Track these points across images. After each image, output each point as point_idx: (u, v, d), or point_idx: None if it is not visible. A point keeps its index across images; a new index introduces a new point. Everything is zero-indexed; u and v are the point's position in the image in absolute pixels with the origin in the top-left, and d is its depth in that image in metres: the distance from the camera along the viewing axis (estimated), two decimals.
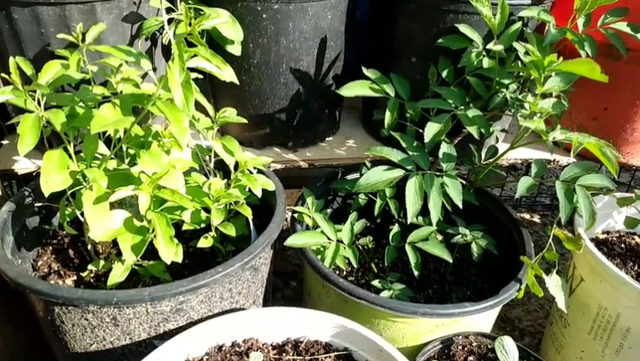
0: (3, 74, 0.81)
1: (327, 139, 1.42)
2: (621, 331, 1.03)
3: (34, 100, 0.81)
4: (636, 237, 1.25)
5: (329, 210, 1.25)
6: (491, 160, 1.15)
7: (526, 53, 0.99)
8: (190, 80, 0.73)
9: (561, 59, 0.91)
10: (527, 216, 1.99)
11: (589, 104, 1.32)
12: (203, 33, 1.05)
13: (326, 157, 1.34)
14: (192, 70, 0.80)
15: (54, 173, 0.80)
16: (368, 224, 1.20)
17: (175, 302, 0.84)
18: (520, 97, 1.03)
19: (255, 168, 1.03)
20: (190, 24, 0.73)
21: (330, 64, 1.25)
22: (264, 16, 1.11)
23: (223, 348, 0.87)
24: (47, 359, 1.10)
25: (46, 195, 0.79)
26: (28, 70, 0.88)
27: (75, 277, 1.00)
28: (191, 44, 0.76)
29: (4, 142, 1.29)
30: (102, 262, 0.98)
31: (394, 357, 0.81)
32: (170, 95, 0.78)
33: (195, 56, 0.79)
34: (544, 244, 0.99)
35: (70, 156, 0.84)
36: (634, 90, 1.23)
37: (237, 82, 0.89)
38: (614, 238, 1.24)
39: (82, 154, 0.87)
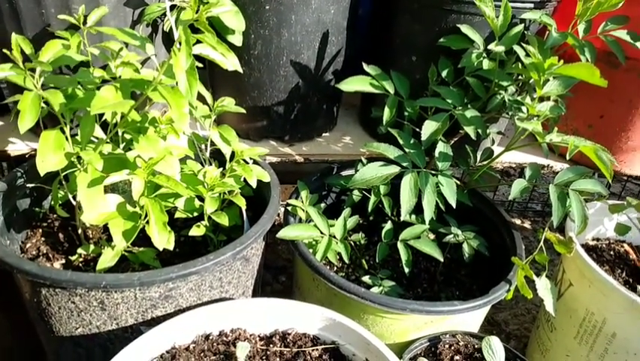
0: (4, 50, 0.80)
1: (324, 135, 1.42)
2: (607, 336, 1.04)
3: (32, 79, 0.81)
4: (625, 245, 1.26)
5: (322, 206, 1.25)
6: (486, 162, 1.16)
7: (527, 54, 0.99)
8: (195, 67, 0.72)
9: (561, 62, 0.91)
10: (518, 221, 2.00)
11: (585, 111, 1.33)
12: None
13: (322, 152, 1.34)
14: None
15: (50, 153, 0.79)
16: (361, 221, 1.20)
17: (164, 289, 0.84)
18: (518, 99, 1.03)
19: (250, 158, 1.03)
20: (197, 11, 0.72)
21: (331, 59, 1.24)
22: (267, 7, 1.10)
23: (210, 337, 0.87)
24: (31, 343, 1.09)
25: (42, 174, 0.78)
26: (28, 49, 0.86)
27: (64, 261, 0.99)
28: (193, 32, 0.76)
29: None
30: (92, 247, 0.97)
31: (381, 352, 0.81)
32: (171, 81, 0.78)
33: (198, 42, 0.78)
34: (535, 249, 1.00)
35: (67, 138, 0.84)
36: (630, 98, 1.24)
37: (241, 71, 0.89)
38: (604, 245, 1.25)
39: (77, 137, 0.86)
